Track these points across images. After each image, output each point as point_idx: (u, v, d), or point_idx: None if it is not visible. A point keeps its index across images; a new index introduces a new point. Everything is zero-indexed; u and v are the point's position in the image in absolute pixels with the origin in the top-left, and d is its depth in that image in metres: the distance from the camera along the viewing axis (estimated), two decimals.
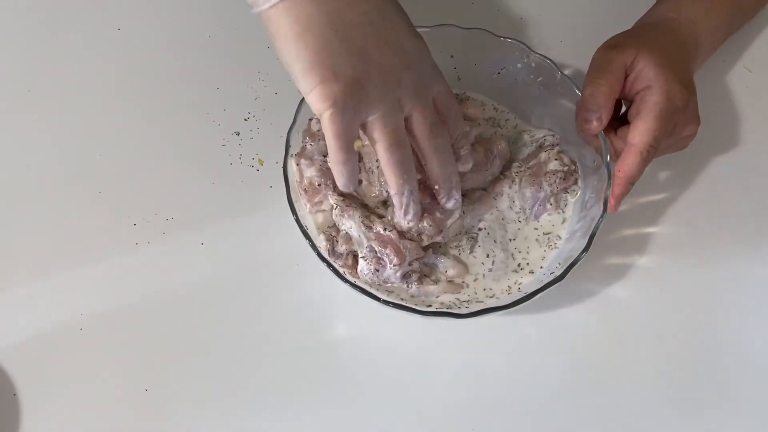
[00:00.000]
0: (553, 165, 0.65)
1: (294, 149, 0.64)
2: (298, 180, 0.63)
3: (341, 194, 0.62)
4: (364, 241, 0.60)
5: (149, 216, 0.69)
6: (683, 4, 0.68)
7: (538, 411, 0.63)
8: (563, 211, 0.66)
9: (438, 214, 0.62)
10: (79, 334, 0.65)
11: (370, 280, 0.61)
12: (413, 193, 0.58)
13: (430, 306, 0.62)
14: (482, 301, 0.62)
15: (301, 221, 0.60)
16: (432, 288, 0.62)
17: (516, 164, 0.67)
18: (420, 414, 0.63)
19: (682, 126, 0.64)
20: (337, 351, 0.65)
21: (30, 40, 0.77)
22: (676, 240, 0.69)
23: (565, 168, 0.65)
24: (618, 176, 0.61)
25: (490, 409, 0.63)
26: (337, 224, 0.62)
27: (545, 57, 0.66)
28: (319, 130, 0.64)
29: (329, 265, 0.60)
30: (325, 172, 0.63)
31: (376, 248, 0.60)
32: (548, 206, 0.65)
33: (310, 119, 0.65)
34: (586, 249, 0.60)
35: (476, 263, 0.64)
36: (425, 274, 0.63)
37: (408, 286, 0.61)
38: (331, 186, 0.62)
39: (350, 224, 0.61)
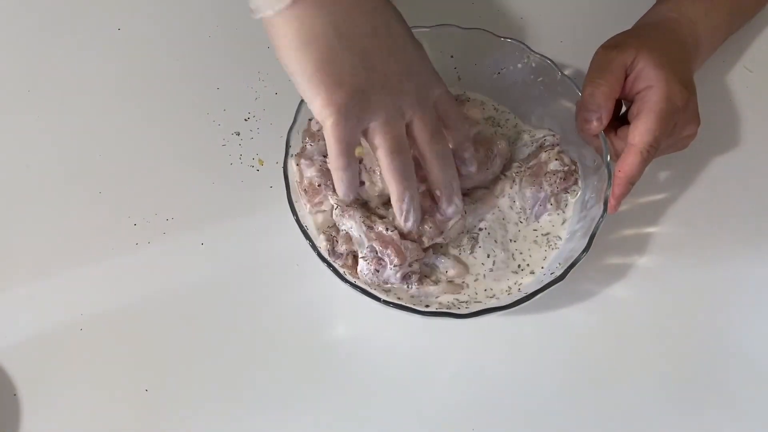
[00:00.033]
0: (554, 165, 0.65)
1: (294, 149, 0.64)
2: (298, 180, 0.63)
3: None
4: (365, 241, 0.60)
5: (149, 216, 0.69)
6: (683, 4, 0.68)
7: (537, 411, 0.63)
8: (564, 212, 0.66)
9: (439, 216, 0.62)
10: (79, 334, 0.65)
11: (369, 281, 0.61)
12: (414, 199, 0.58)
13: (429, 306, 0.62)
14: (482, 302, 0.62)
15: (301, 221, 0.60)
16: (432, 288, 0.62)
17: (516, 164, 0.67)
18: (420, 414, 0.63)
19: (682, 126, 0.64)
20: (337, 351, 0.65)
21: (30, 40, 0.77)
22: (676, 240, 0.69)
23: (566, 168, 0.65)
24: (618, 176, 0.61)
25: (490, 409, 0.63)
26: (337, 224, 0.62)
27: (545, 57, 0.66)
28: (319, 131, 0.64)
29: (329, 265, 0.60)
30: (325, 173, 0.63)
31: (377, 248, 0.60)
32: (549, 206, 0.65)
33: (310, 120, 0.65)
34: (586, 249, 0.60)
35: (476, 263, 0.64)
36: (425, 274, 0.63)
37: (408, 287, 0.61)
38: (331, 187, 0.62)
39: (351, 224, 0.61)
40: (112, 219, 0.69)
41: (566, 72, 0.66)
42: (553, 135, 0.67)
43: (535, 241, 0.65)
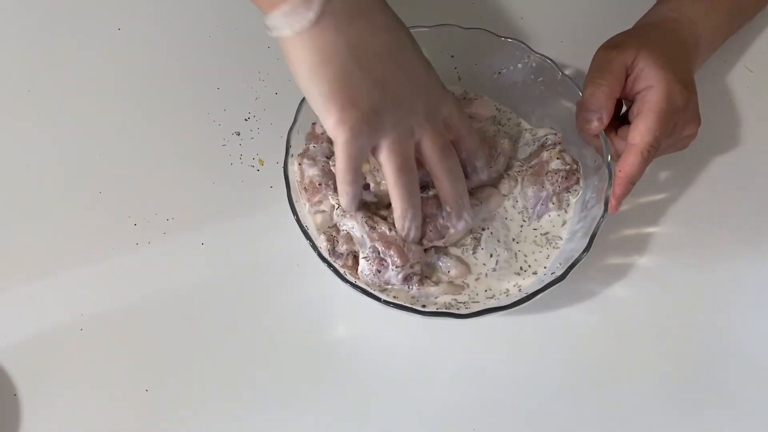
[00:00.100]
0: (555, 164, 0.65)
1: (294, 149, 0.64)
2: (299, 179, 0.63)
3: None
4: (367, 241, 0.60)
5: (149, 216, 0.69)
6: (683, 4, 0.68)
7: (538, 411, 0.63)
8: (566, 211, 0.66)
9: (441, 221, 0.62)
10: (79, 334, 0.65)
11: (370, 281, 0.61)
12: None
13: (426, 306, 0.61)
14: (481, 302, 0.62)
15: (302, 221, 0.60)
16: (433, 289, 0.62)
17: (518, 163, 0.67)
18: (420, 414, 0.63)
19: (683, 126, 0.64)
20: (338, 351, 0.65)
21: (30, 40, 0.77)
22: (676, 240, 0.69)
23: (567, 167, 0.65)
24: (619, 176, 0.61)
25: (490, 409, 0.63)
26: (338, 224, 0.62)
27: (546, 57, 0.66)
28: (323, 133, 0.64)
29: (329, 265, 0.60)
30: (328, 173, 0.63)
31: (380, 249, 0.60)
32: (551, 206, 0.65)
33: (314, 123, 0.65)
34: (586, 249, 0.60)
35: (478, 263, 0.64)
36: (426, 275, 0.62)
37: (409, 288, 0.61)
38: (332, 187, 0.62)
39: (352, 224, 0.61)
40: (112, 219, 0.69)
41: (567, 72, 0.66)
42: (555, 134, 0.67)
43: (535, 241, 0.65)
